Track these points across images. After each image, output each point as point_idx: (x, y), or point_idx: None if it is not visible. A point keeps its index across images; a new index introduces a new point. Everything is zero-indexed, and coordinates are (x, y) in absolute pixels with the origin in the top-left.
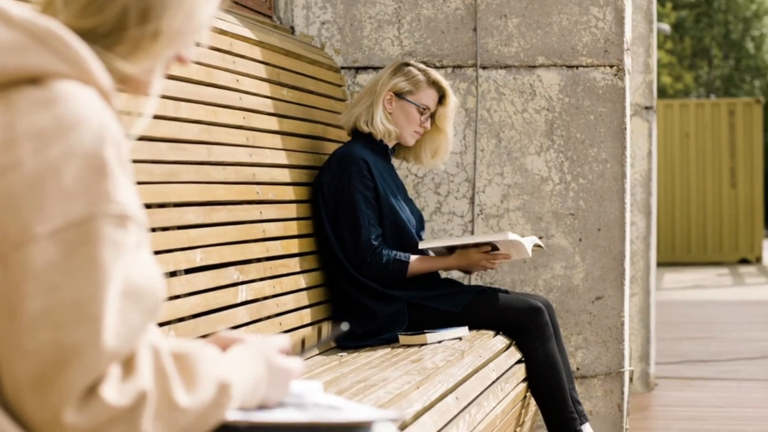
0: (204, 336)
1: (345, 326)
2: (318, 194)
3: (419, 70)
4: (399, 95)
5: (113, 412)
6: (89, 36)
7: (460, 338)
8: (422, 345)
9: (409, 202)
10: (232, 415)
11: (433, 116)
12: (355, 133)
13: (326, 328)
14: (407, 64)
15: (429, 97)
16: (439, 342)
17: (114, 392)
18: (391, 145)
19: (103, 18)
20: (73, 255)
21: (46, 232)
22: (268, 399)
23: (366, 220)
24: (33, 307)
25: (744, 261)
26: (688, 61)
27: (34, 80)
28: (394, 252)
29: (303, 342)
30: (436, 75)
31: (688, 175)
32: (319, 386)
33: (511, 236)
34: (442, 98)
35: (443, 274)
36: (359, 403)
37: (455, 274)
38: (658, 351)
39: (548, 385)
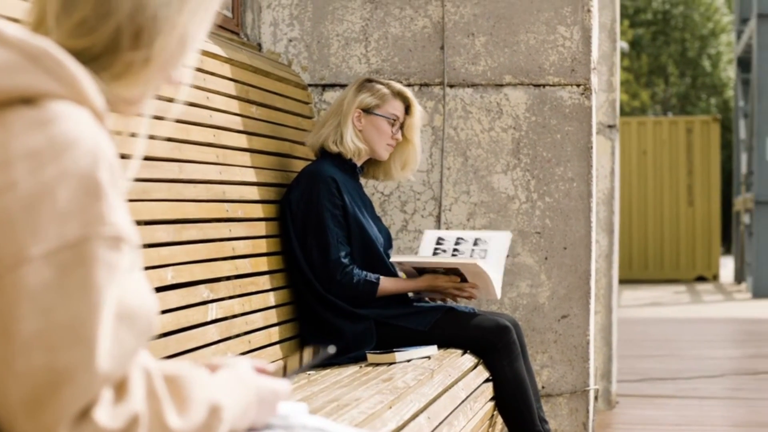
0: (174, 355)
1: (332, 349)
2: (286, 212)
3: (382, 84)
4: (367, 111)
5: None
6: (81, 56)
7: (428, 357)
8: (391, 364)
9: (377, 220)
10: None
11: (402, 127)
12: (323, 153)
13: (308, 350)
14: (370, 80)
15: (396, 108)
16: (408, 361)
17: (107, 415)
18: (359, 163)
19: (96, 38)
20: (68, 277)
21: (40, 253)
22: (257, 421)
23: (335, 239)
24: (27, 329)
25: (701, 278)
26: (644, 78)
27: (27, 100)
28: (365, 273)
29: (285, 366)
30: (400, 86)
31: (645, 193)
32: (304, 408)
33: (481, 264)
34: (407, 108)
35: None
36: (344, 425)
37: None
38: (618, 369)
39: (516, 403)
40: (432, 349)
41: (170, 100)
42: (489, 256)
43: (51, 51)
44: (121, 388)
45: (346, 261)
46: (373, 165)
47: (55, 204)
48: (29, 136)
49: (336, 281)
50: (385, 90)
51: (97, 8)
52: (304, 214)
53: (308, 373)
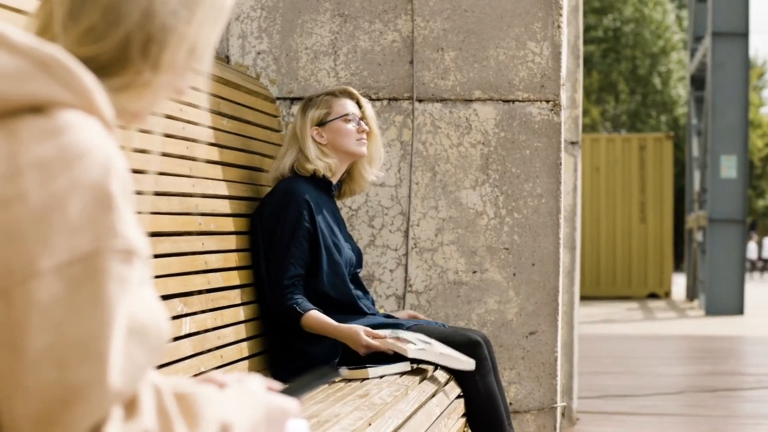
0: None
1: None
2: (257, 226)
3: (321, 94)
4: (322, 124)
5: None
6: (89, 65)
7: (400, 374)
8: (364, 380)
9: (350, 239)
10: None
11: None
12: (295, 173)
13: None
14: (309, 98)
15: (345, 105)
16: (381, 377)
17: None
18: (335, 180)
19: (104, 47)
20: (79, 291)
21: (50, 266)
22: None
23: (289, 259)
24: (37, 345)
25: (653, 295)
26: (595, 95)
27: (37, 109)
28: (300, 299)
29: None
30: (339, 87)
31: (598, 210)
32: (305, 425)
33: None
34: (358, 103)
35: (378, 307)
36: None
37: (390, 307)
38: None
39: (488, 419)
40: (405, 366)
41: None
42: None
43: (61, 59)
44: (131, 406)
45: (287, 282)
46: (346, 183)
47: (65, 216)
48: (39, 145)
49: (271, 300)
50: (326, 97)
51: (106, 16)
52: (271, 231)
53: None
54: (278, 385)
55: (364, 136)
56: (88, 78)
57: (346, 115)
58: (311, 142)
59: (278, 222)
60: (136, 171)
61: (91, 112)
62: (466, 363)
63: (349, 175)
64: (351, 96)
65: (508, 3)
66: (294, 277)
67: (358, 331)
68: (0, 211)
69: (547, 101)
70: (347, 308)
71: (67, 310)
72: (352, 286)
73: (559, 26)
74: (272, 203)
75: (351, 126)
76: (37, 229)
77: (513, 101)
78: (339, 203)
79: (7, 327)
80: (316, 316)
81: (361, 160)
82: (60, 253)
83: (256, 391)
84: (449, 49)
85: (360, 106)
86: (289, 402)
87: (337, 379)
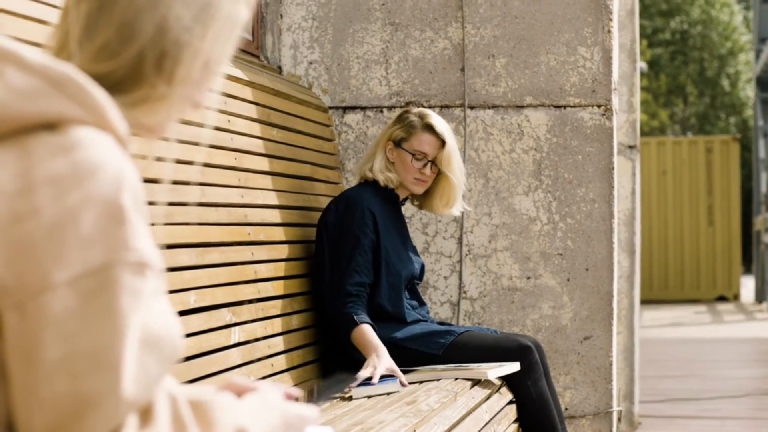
0: (197, 379)
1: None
2: (322, 234)
3: (417, 115)
4: (396, 143)
5: None
6: (104, 81)
7: (389, 393)
8: (350, 399)
9: (414, 252)
10: None
11: (436, 162)
12: (365, 180)
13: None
14: (408, 111)
15: (424, 142)
16: (368, 397)
17: None
18: (402, 195)
19: (119, 63)
20: (92, 303)
21: (64, 280)
22: None
23: (353, 266)
24: (51, 356)
25: (722, 298)
26: (663, 98)
27: (50, 126)
28: (360, 309)
29: (313, 390)
30: (433, 119)
31: (665, 213)
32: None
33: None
34: (444, 143)
35: (433, 314)
36: None
37: (444, 314)
38: (640, 389)
39: (541, 424)
40: (395, 386)
41: (200, 125)
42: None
43: (73, 76)
44: (146, 414)
45: (351, 289)
46: (419, 196)
47: (78, 230)
48: (52, 161)
49: (331, 303)
50: (416, 122)
51: (120, 32)
52: (336, 239)
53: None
54: (298, 391)
55: (425, 179)
56: (100, 94)
57: (417, 154)
58: (381, 154)
59: (343, 230)
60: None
61: (104, 128)
62: (510, 367)
63: (427, 194)
64: (435, 134)
65: (558, 9)
66: (358, 285)
67: (370, 370)
68: (14, 226)
69: (599, 106)
70: (398, 320)
71: (81, 322)
72: (407, 297)
73: (609, 31)
74: (338, 210)
75: (416, 165)
76: (51, 243)
77: (564, 107)
78: None
79: (22, 339)
80: (367, 332)
81: (431, 194)
82: (73, 267)
83: (274, 398)
84: (500, 55)
85: (443, 145)
86: (308, 409)
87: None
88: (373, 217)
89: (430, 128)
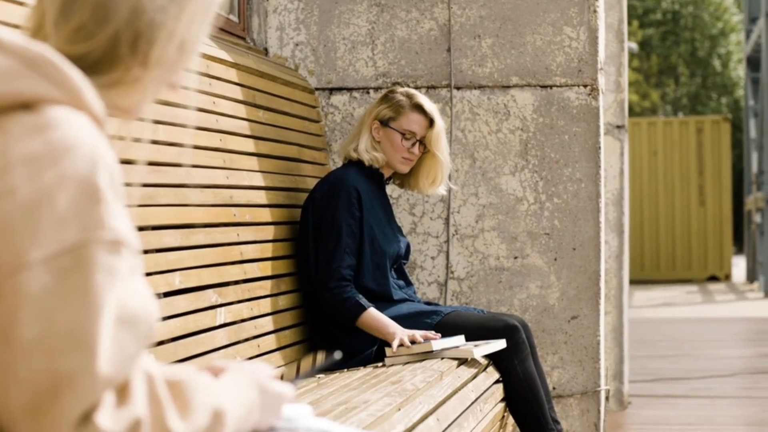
0: (183, 360)
1: (338, 355)
2: (308, 213)
3: (404, 95)
4: (383, 123)
5: None
6: (80, 62)
7: (458, 347)
8: (428, 352)
9: (399, 231)
10: None
11: (423, 141)
12: (350, 160)
13: (320, 354)
14: (393, 91)
15: (413, 121)
16: (443, 350)
17: (108, 420)
18: (387, 174)
19: (94, 44)
20: (67, 281)
21: (39, 258)
22: (261, 424)
23: (343, 249)
24: (27, 335)
25: (713, 278)
26: (654, 79)
27: (26, 106)
28: (359, 294)
29: (298, 368)
30: (421, 99)
31: (656, 194)
32: (308, 410)
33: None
34: (431, 122)
35: (420, 294)
36: (350, 427)
37: (431, 294)
38: (630, 369)
39: (527, 403)
40: (460, 339)
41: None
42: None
43: (49, 56)
44: (122, 393)
45: (345, 273)
46: (402, 175)
47: (54, 209)
48: (28, 141)
49: (328, 289)
50: (404, 102)
51: (95, 14)
52: (320, 218)
53: (318, 376)
54: (274, 369)
55: (412, 158)
56: (76, 75)
57: (405, 134)
58: (367, 134)
59: (327, 211)
60: (126, 161)
61: (80, 107)
62: (496, 344)
63: (412, 173)
64: (424, 114)
65: None
66: (349, 268)
67: (400, 338)
68: None
69: (585, 86)
70: (385, 300)
71: (56, 301)
72: (393, 276)
73: (595, 11)
74: (323, 190)
75: (406, 144)
76: (26, 222)
77: (551, 87)
78: None
79: None
80: (376, 314)
81: (417, 173)
82: (49, 245)
83: (252, 376)
84: (486, 36)
85: (432, 126)
86: (285, 387)
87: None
88: (359, 194)
89: (419, 108)
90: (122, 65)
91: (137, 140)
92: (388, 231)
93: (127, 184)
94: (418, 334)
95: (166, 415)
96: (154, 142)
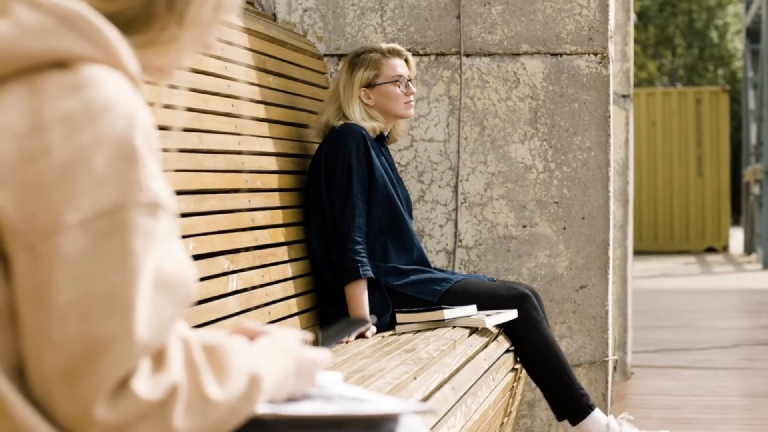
0: (195, 327)
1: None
2: (320, 166)
3: (370, 51)
4: (370, 85)
5: (144, 406)
6: (115, 20)
7: (470, 316)
8: (439, 321)
9: (401, 184)
10: (261, 408)
11: (410, 81)
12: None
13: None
14: (356, 56)
15: (396, 66)
16: (455, 319)
17: (145, 385)
18: (386, 131)
19: (130, 2)
20: (104, 245)
21: (76, 221)
22: (295, 391)
23: (356, 197)
24: (62, 299)
25: (711, 249)
26: (651, 49)
27: (61, 64)
28: (365, 259)
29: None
30: (389, 45)
31: (655, 164)
32: (339, 377)
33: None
34: (407, 61)
35: (431, 259)
36: (383, 395)
37: (440, 262)
38: (632, 340)
39: (550, 366)
40: (472, 308)
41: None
42: None
43: (85, 14)
44: (159, 358)
45: (359, 222)
46: (390, 132)
47: (90, 170)
48: (63, 100)
49: (342, 233)
50: (376, 57)
51: None
52: (331, 167)
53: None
54: (310, 336)
55: (412, 98)
56: (112, 33)
57: (396, 78)
58: (358, 103)
59: (337, 158)
60: (162, 128)
61: (116, 66)
62: (507, 314)
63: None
64: (400, 55)
65: None
66: (362, 215)
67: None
68: (25, 166)
69: (595, 54)
70: (402, 246)
71: (93, 264)
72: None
73: None
74: (329, 141)
75: (400, 89)
76: (62, 184)
77: (561, 54)
78: None
79: (33, 281)
80: (361, 293)
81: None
82: (85, 207)
83: (287, 343)
84: (496, 3)
85: (409, 65)
86: (320, 353)
87: (373, 323)
88: (365, 141)
89: (392, 52)
90: (158, 24)
91: (168, 107)
92: (393, 180)
93: (164, 150)
94: (369, 334)
95: (203, 380)
96: (167, 106)
